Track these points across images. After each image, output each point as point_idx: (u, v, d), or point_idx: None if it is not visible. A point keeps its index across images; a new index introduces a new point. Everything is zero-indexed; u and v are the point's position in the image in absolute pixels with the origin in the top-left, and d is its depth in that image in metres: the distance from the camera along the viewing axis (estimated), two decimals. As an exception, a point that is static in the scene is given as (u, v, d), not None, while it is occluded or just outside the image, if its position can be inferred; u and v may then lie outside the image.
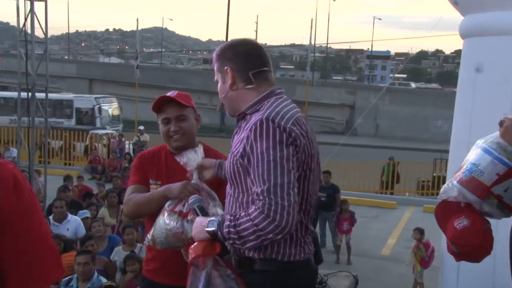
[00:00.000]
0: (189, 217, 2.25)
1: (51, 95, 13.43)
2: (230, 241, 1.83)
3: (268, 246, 1.88)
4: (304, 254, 1.96)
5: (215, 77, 2.10)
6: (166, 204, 2.34)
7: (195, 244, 1.95)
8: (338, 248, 8.71)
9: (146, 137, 18.01)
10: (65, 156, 18.14)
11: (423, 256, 6.90)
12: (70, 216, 6.80)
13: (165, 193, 2.36)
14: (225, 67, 2.01)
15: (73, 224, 6.69)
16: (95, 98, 25.53)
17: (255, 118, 1.88)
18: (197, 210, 2.11)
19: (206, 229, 1.89)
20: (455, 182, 2.33)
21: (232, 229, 1.81)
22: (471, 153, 2.40)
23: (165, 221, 2.29)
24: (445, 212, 2.38)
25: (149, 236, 2.38)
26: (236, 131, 2.03)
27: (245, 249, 1.89)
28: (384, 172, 15.34)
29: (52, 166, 14.62)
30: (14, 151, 13.43)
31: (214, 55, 2.09)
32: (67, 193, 8.20)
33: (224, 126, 32.00)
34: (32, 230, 1.37)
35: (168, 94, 2.59)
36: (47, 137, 10.28)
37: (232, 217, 1.84)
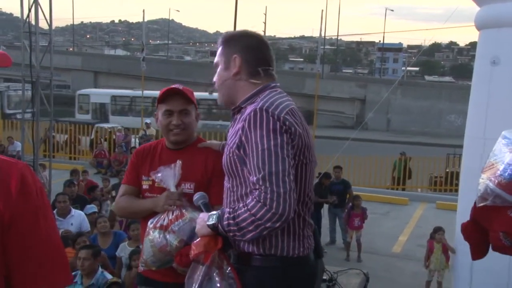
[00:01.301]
0: (170, 227, 2.30)
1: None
2: (231, 234, 1.85)
3: (266, 239, 1.90)
4: (304, 248, 1.98)
5: (215, 60, 2.13)
6: (149, 223, 2.38)
7: (197, 240, 1.97)
8: (348, 245, 8.71)
9: (152, 131, 18.04)
10: (70, 150, 18.23)
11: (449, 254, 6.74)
12: (74, 211, 6.84)
13: (151, 207, 2.43)
14: (234, 55, 2.04)
15: (77, 219, 6.73)
16: None
17: (249, 109, 1.92)
18: (202, 206, 2.14)
19: (207, 223, 1.92)
20: (492, 186, 2.26)
21: (231, 221, 1.83)
22: (500, 148, 2.33)
23: (149, 239, 2.35)
24: (489, 212, 2.33)
25: (141, 259, 2.43)
26: (231, 125, 2.06)
27: (246, 241, 1.91)
28: (395, 168, 15.30)
29: (57, 160, 14.72)
30: (18, 145, 13.53)
31: (222, 38, 2.12)
32: (73, 188, 8.24)
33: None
34: (39, 233, 1.35)
35: (176, 86, 2.60)
36: (51, 131, 10.33)
37: (231, 209, 1.87)
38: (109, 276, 4.79)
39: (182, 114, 2.53)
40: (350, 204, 8.93)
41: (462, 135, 5.05)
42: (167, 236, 2.29)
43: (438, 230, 6.85)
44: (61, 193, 7.17)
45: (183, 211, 2.31)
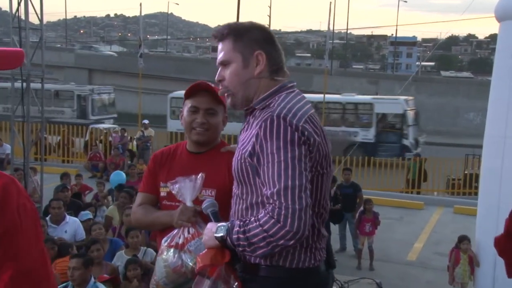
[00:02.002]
0: (185, 247, 2.26)
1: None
2: (240, 248, 1.84)
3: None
4: (314, 260, 1.97)
5: (225, 57, 2.01)
6: (163, 241, 2.35)
7: (204, 251, 1.95)
8: (360, 253, 8.68)
9: (151, 132, 18.06)
10: (63, 152, 18.27)
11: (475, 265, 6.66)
12: (68, 217, 6.84)
13: (167, 222, 2.39)
14: (257, 51, 1.97)
15: (72, 226, 6.73)
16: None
17: (264, 114, 1.88)
18: (210, 215, 2.11)
19: (215, 235, 1.90)
20: None
21: (241, 235, 1.82)
22: None
23: (162, 259, 2.31)
24: None
25: (153, 280, 2.38)
26: (244, 127, 2.03)
27: (256, 257, 1.89)
28: (410, 170, 15.26)
29: (49, 163, 14.75)
30: (7, 147, 13.54)
31: (228, 30, 2.02)
32: (66, 193, 8.24)
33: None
34: (16, 254, 1.30)
35: (204, 81, 2.56)
36: (43, 132, 10.34)
37: (241, 223, 1.85)
38: (102, 287, 4.78)
39: (208, 113, 2.49)
40: (361, 208, 8.90)
41: (481, 134, 5.03)
42: (183, 256, 2.25)
43: (463, 239, 6.76)
44: (56, 199, 7.18)
45: (199, 230, 2.26)
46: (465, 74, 64.98)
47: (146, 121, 18.34)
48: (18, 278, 1.31)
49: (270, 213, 1.77)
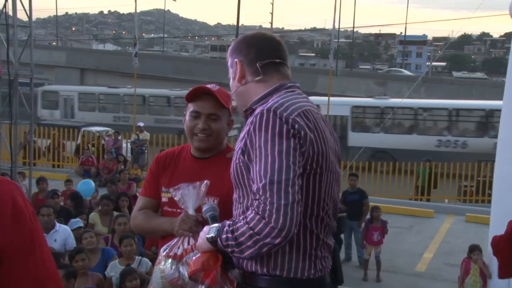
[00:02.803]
0: (184, 259, 2.26)
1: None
2: (229, 249, 1.84)
3: (271, 258, 1.89)
4: (315, 270, 1.94)
5: (229, 75, 2.19)
6: (161, 250, 2.36)
7: (197, 256, 1.96)
8: (366, 263, 8.67)
9: (146, 135, 18.07)
10: (53, 157, 18.29)
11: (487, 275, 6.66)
12: (58, 225, 6.84)
13: (169, 230, 2.39)
14: (235, 60, 2.10)
15: (62, 235, 6.73)
16: None
17: (258, 110, 1.92)
18: (209, 219, 2.11)
19: (206, 236, 1.92)
20: None
21: (230, 235, 1.82)
22: None
23: (159, 269, 2.31)
24: None
25: None
26: (243, 128, 2.05)
27: (245, 259, 1.90)
28: (419, 176, 15.24)
29: (38, 168, 14.77)
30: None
31: (229, 50, 2.18)
32: (56, 200, 8.25)
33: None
34: (35, 265, 1.33)
35: (209, 86, 2.56)
36: (32, 135, 10.35)
37: (231, 222, 1.86)
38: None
39: (210, 119, 2.50)
40: (368, 216, 8.89)
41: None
42: (180, 268, 2.26)
43: (474, 249, 6.78)
44: (45, 205, 7.18)
45: None
46: (478, 74, 64.97)
47: (141, 124, 18.36)
48: (37, 278, 1.36)
49: (256, 210, 1.77)
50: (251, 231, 1.77)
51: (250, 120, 1.93)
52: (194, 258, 1.96)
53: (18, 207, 1.32)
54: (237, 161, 1.95)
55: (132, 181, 11.73)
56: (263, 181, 1.78)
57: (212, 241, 1.88)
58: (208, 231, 1.93)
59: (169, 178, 2.53)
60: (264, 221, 1.75)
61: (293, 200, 1.76)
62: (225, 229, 1.85)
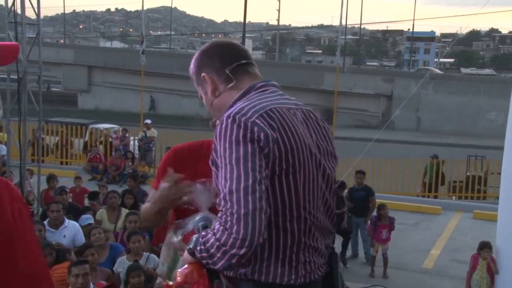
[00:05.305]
0: (184, 222, 2.16)
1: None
2: (204, 261, 1.80)
3: (251, 264, 1.83)
4: (297, 276, 1.86)
5: (199, 94, 2.12)
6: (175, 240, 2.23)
7: (183, 267, 1.90)
8: (373, 260, 8.69)
9: (153, 132, 18.11)
10: (61, 154, 18.38)
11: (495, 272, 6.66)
12: (67, 221, 6.91)
13: (159, 204, 2.27)
14: (202, 74, 2.03)
15: (71, 231, 6.80)
16: None
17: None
18: (200, 229, 2.04)
19: (187, 247, 1.87)
20: None
21: (202, 247, 1.78)
22: None
23: (168, 237, 2.22)
24: None
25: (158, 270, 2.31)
26: None
27: (220, 270, 1.82)
28: (426, 172, 15.22)
29: (47, 165, 14.84)
30: (3, 148, 13.65)
31: (190, 70, 2.11)
32: (64, 196, 8.32)
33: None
34: (14, 264, 1.30)
35: None
36: (40, 132, 10.41)
37: (204, 233, 1.81)
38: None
39: None
40: (375, 214, 8.90)
41: (503, 135, 5.03)
42: (177, 232, 2.17)
43: (483, 246, 6.78)
44: (55, 202, 7.25)
45: (200, 203, 2.16)
46: (487, 71, 64.65)
47: (148, 121, 18.40)
48: (19, 284, 1.33)
49: (219, 220, 1.74)
50: (218, 243, 1.73)
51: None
52: (180, 270, 1.90)
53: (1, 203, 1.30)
54: (212, 172, 1.91)
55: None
56: (224, 191, 1.74)
57: (191, 252, 1.83)
58: (190, 241, 1.88)
59: (193, 174, 2.31)
60: (227, 232, 1.70)
61: (253, 208, 1.70)
62: (199, 240, 1.80)
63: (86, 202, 9.80)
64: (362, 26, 72.05)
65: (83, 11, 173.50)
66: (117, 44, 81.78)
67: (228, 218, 1.71)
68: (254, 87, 1.96)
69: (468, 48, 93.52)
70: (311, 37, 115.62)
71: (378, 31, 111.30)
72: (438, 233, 10.95)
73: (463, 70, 63.68)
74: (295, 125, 1.87)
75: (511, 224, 6.37)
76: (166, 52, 54.69)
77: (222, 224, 1.72)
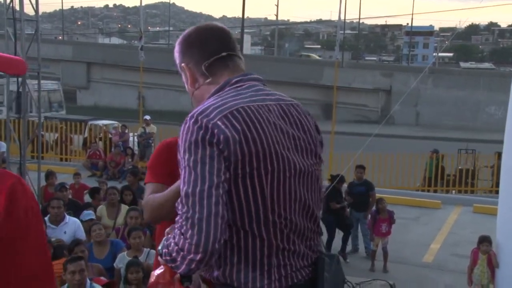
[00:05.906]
0: None
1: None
2: (169, 264, 1.76)
3: (221, 267, 1.80)
4: (270, 281, 1.79)
5: (182, 79, 2.04)
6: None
7: (158, 268, 1.86)
8: (374, 254, 8.71)
9: (153, 128, 18.11)
10: (61, 150, 18.39)
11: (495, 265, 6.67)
12: (68, 217, 6.91)
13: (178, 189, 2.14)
14: (182, 64, 1.98)
15: (71, 227, 6.80)
16: None
17: None
18: None
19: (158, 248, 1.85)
20: None
21: (166, 250, 1.75)
22: None
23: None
24: None
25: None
26: None
27: (183, 274, 1.77)
28: (426, 167, 15.24)
29: (47, 162, 14.85)
30: (3, 145, 13.65)
31: (174, 55, 2.05)
32: (65, 192, 8.33)
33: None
34: (23, 256, 1.32)
35: None
36: (40, 129, 10.42)
37: (169, 236, 1.78)
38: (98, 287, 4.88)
39: None
40: (374, 208, 8.92)
41: (502, 129, 5.04)
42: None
43: (483, 240, 6.79)
44: (56, 198, 7.26)
45: None
46: (486, 65, 64.69)
47: (147, 117, 18.40)
48: (24, 280, 1.34)
49: (177, 225, 1.71)
50: (177, 247, 1.69)
51: None
52: (155, 271, 1.86)
53: (15, 200, 1.31)
54: None
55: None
56: (181, 195, 1.70)
57: (159, 254, 1.80)
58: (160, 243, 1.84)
59: None
60: (183, 237, 1.67)
61: (208, 213, 1.65)
62: (164, 243, 1.78)
63: (86, 198, 9.81)
64: (361, 21, 72.01)
65: (81, 7, 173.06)
66: (115, 40, 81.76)
67: (183, 223, 1.67)
68: (229, 83, 1.87)
69: (467, 42, 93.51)
70: (310, 32, 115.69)
71: (377, 25, 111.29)
72: (438, 227, 10.97)
73: (462, 64, 63.70)
74: (264, 125, 1.78)
75: (511, 218, 6.38)
76: (165, 48, 54.63)
77: (178, 228, 1.69)
